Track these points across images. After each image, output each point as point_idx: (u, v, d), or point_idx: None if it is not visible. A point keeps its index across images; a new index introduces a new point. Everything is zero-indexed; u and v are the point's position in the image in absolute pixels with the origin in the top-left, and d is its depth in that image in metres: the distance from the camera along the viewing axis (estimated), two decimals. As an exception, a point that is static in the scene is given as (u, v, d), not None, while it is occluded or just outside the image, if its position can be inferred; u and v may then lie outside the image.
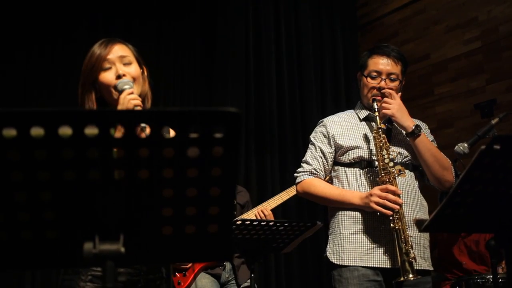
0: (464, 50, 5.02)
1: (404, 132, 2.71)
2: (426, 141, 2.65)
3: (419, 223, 2.53)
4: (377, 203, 2.50)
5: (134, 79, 1.99)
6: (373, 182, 2.64)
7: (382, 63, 2.74)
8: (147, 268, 1.96)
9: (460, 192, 1.43)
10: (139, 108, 1.91)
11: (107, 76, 1.98)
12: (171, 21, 5.11)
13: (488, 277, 3.34)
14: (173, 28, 5.11)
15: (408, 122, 2.65)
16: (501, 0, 4.79)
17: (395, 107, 2.65)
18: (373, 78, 2.74)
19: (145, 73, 2.10)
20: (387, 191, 2.51)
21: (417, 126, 2.65)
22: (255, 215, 3.69)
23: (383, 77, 2.72)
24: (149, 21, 5.02)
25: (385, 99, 2.68)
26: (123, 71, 1.98)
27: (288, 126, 5.28)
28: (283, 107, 5.30)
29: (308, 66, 5.51)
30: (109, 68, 1.99)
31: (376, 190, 2.53)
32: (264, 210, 3.67)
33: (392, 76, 2.73)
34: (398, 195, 2.52)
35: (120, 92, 1.93)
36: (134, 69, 2.01)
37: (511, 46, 4.68)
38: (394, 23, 5.67)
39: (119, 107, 1.90)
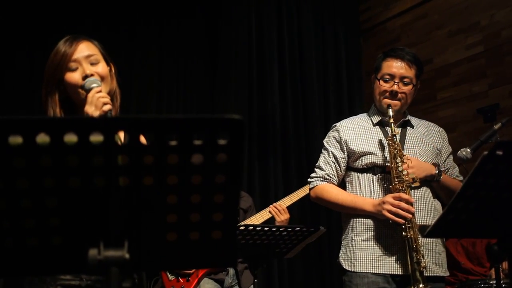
0: (466, 54, 5.01)
1: (420, 144, 2.73)
2: (445, 183, 2.66)
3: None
4: (390, 211, 2.50)
5: (102, 78, 1.93)
6: (386, 188, 2.63)
7: (396, 66, 2.73)
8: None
9: (463, 198, 1.44)
10: (108, 106, 1.85)
11: (74, 77, 1.91)
12: (173, 25, 5.13)
13: (491, 282, 3.34)
14: (175, 33, 5.12)
15: (432, 172, 2.64)
16: (504, 5, 4.79)
17: (414, 170, 2.59)
18: (386, 81, 2.73)
19: (113, 70, 2.03)
20: (400, 199, 2.51)
21: (438, 172, 2.65)
22: (270, 211, 3.69)
23: (396, 81, 2.71)
24: (151, 25, 5.03)
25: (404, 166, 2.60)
26: (90, 70, 1.90)
27: (290, 131, 5.28)
28: (286, 112, 5.30)
29: (310, 71, 5.52)
30: (76, 69, 1.91)
31: (389, 198, 2.52)
32: (278, 205, 3.67)
33: (406, 80, 2.72)
34: (411, 204, 2.51)
35: (88, 91, 1.86)
36: (101, 68, 1.94)
37: (514, 50, 4.68)
38: (396, 28, 5.68)
39: (87, 105, 1.83)
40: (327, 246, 5.02)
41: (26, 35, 4.51)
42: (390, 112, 2.66)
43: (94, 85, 1.87)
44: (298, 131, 5.33)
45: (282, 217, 3.65)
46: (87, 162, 0.93)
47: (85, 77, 1.89)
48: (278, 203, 3.73)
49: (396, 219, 2.49)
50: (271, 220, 3.82)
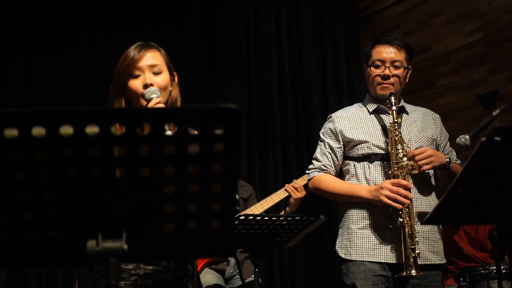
0: (465, 41, 5.00)
1: (415, 131, 2.73)
2: (453, 170, 2.66)
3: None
4: (388, 197, 2.50)
5: (161, 89, 2.01)
6: (383, 175, 2.64)
7: (385, 51, 2.74)
8: (175, 265, 1.99)
9: (462, 184, 1.44)
10: None
11: (135, 84, 2.00)
12: (171, 17, 5.11)
13: (491, 268, 3.35)
14: (173, 24, 5.10)
15: (444, 160, 2.63)
16: (502, -9, 4.77)
17: (434, 159, 2.58)
18: (377, 67, 2.74)
19: (175, 80, 2.12)
20: (399, 185, 2.52)
21: (449, 160, 2.65)
22: (286, 189, 3.68)
23: (387, 65, 2.72)
24: (149, 17, 5.01)
25: (421, 156, 2.56)
26: (151, 80, 1.99)
27: (290, 121, 5.27)
28: (285, 102, 5.30)
29: (309, 60, 5.50)
30: (138, 76, 2.01)
31: (387, 183, 2.53)
32: (295, 183, 3.66)
33: (396, 63, 2.73)
34: (409, 190, 2.52)
35: (148, 101, 1.96)
36: (162, 78, 2.03)
37: (513, 36, 4.67)
38: (395, 16, 5.66)
39: None
40: (328, 234, 5.03)
41: (24, 32, 4.49)
42: (392, 100, 2.66)
43: (153, 95, 1.96)
44: (298, 121, 5.33)
45: (299, 194, 3.63)
46: (83, 154, 0.93)
47: (145, 86, 1.99)
48: (295, 181, 3.71)
49: (394, 204, 2.49)
50: (272, 209, 3.82)
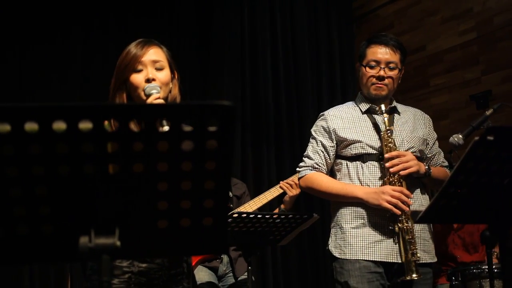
0: (459, 41, 5.01)
1: (407, 131, 2.74)
2: (434, 176, 2.68)
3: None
4: (389, 202, 2.52)
5: (162, 84, 2.04)
6: (375, 176, 2.65)
7: (381, 52, 2.73)
8: (169, 263, 2.00)
9: (454, 183, 1.44)
10: None
11: (137, 78, 2.03)
12: (166, 13, 5.09)
13: (483, 267, 3.36)
14: (168, 20, 5.09)
15: (422, 170, 2.64)
16: (496, -9, 4.79)
17: (414, 163, 2.61)
18: (371, 67, 2.74)
19: (176, 78, 2.14)
20: (401, 192, 2.54)
21: (427, 168, 2.66)
22: (281, 186, 3.66)
23: (382, 66, 2.72)
24: (144, 13, 4.99)
25: (398, 160, 2.58)
26: (153, 75, 2.02)
27: (284, 118, 5.27)
28: (279, 100, 5.30)
29: (303, 58, 5.50)
30: (141, 70, 2.03)
31: (389, 189, 2.54)
32: (290, 180, 3.64)
33: (391, 65, 2.73)
34: (409, 197, 2.55)
35: (147, 96, 1.98)
36: (164, 74, 2.06)
37: (506, 37, 4.68)
38: (389, 15, 5.66)
39: None
40: (321, 233, 5.04)
41: (19, 28, 4.46)
42: (383, 107, 2.67)
43: (153, 91, 1.99)
44: (291, 118, 5.33)
45: (295, 191, 3.61)
46: (76, 149, 0.93)
47: (147, 80, 2.01)
48: (290, 178, 3.69)
49: (395, 210, 2.52)
50: (265, 207, 3.82)
